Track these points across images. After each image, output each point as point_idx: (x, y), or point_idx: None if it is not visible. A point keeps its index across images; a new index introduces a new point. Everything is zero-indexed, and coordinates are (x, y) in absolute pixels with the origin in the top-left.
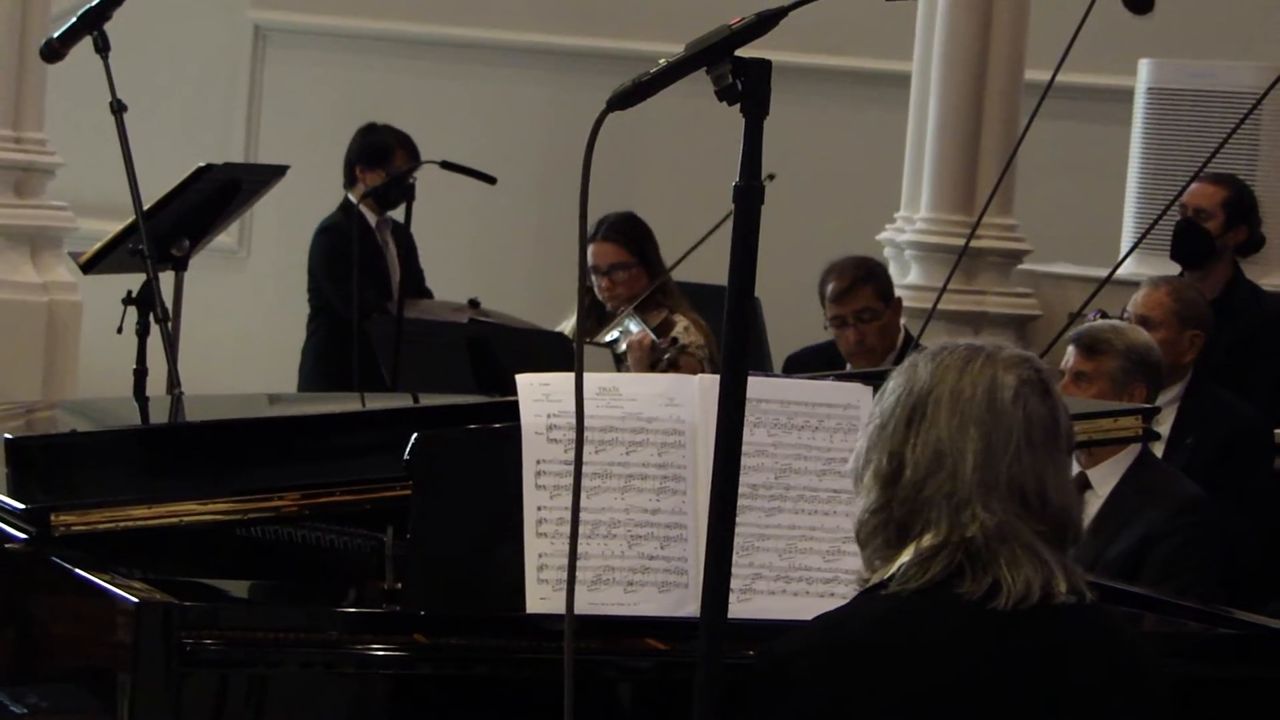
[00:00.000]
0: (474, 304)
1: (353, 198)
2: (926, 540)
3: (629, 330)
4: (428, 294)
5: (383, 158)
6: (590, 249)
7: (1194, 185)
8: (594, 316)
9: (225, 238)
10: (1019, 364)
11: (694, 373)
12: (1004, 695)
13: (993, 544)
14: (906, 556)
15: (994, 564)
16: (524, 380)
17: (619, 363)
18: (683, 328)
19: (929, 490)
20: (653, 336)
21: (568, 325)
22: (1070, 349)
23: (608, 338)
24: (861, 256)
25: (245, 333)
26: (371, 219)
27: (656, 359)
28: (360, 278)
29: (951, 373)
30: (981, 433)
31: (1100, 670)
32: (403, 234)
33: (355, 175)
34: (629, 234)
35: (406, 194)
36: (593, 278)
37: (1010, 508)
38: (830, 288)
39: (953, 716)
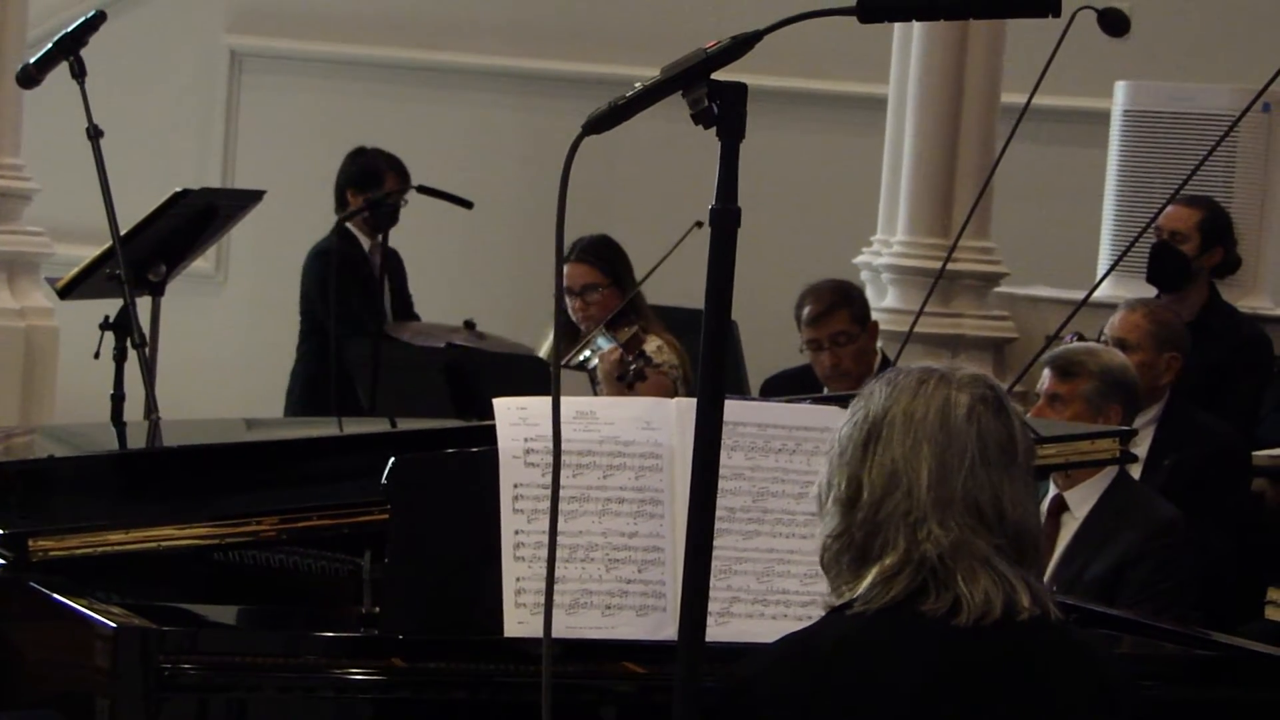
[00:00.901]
0: (469, 325)
1: (348, 223)
2: (888, 560)
3: (599, 347)
4: (416, 318)
5: (373, 181)
6: (564, 270)
7: (1169, 208)
8: (568, 337)
9: (202, 263)
10: (972, 383)
11: (663, 390)
12: (969, 712)
13: (949, 560)
14: (870, 577)
15: (952, 580)
16: (501, 404)
17: (594, 384)
18: (655, 347)
19: (886, 510)
20: (621, 350)
21: (546, 348)
22: (1045, 372)
23: (581, 357)
24: (837, 280)
25: (222, 357)
26: (364, 242)
27: (623, 371)
28: (355, 301)
29: (905, 395)
30: (935, 450)
31: (1066, 687)
32: (393, 258)
33: (346, 199)
34: (602, 255)
35: (391, 217)
36: (566, 298)
37: (966, 523)
38: (806, 311)
39: None
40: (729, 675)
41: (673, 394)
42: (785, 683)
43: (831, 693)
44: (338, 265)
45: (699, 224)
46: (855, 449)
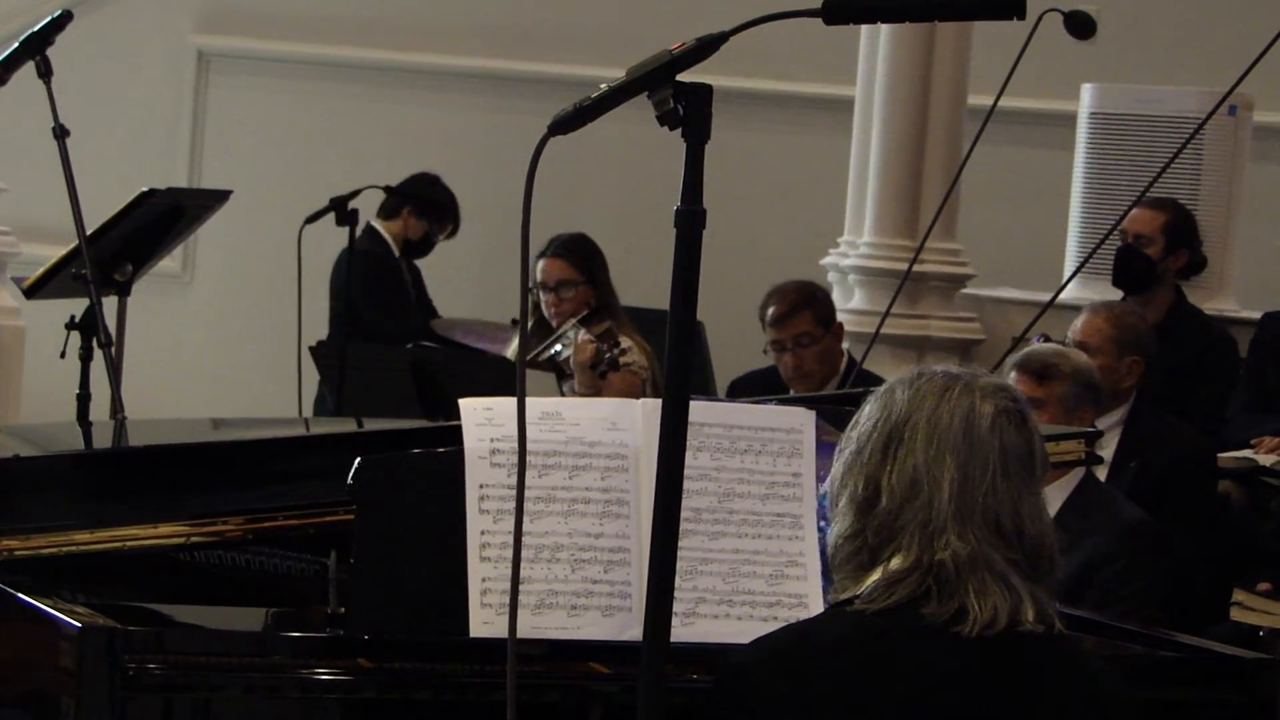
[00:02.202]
0: (516, 324)
1: (380, 228)
2: (895, 563)
3: (571, 340)
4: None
5: (437, 215)
6: (539, 265)
7: (1134, 211)
8: (540, 333)
9: (169, 262)
10: (996, 393)
11: (632, 391)
12: (962, 718)
13: (963, 571)
14: (875, 577)
15: (962, 590)
16: (467, 404)
17: (562, 381)
18: (626, 347)
19: (905, 518)
20: (595, 340)
21: (512, 349)
22: (1014, 375)
23: (552, 350)
24: (802, 281)
25: (189, 357)
26: (395, 251)
27: (598, 360)
28: (401, 303)
29: (929, 400)
30: (958, 462)
31: (1063, 701)
32: (413, 267)
33: (401, 214)
34: (578, 252)
35: (425, 250)
36: (540, 294)
37: (984, 536)
38: (770, 312)
39: None
40: (725, 662)
41: (641, 395)
42: (782, 673)
43: (827, 687)
44: (378, 266)
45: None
46: (875, 451)
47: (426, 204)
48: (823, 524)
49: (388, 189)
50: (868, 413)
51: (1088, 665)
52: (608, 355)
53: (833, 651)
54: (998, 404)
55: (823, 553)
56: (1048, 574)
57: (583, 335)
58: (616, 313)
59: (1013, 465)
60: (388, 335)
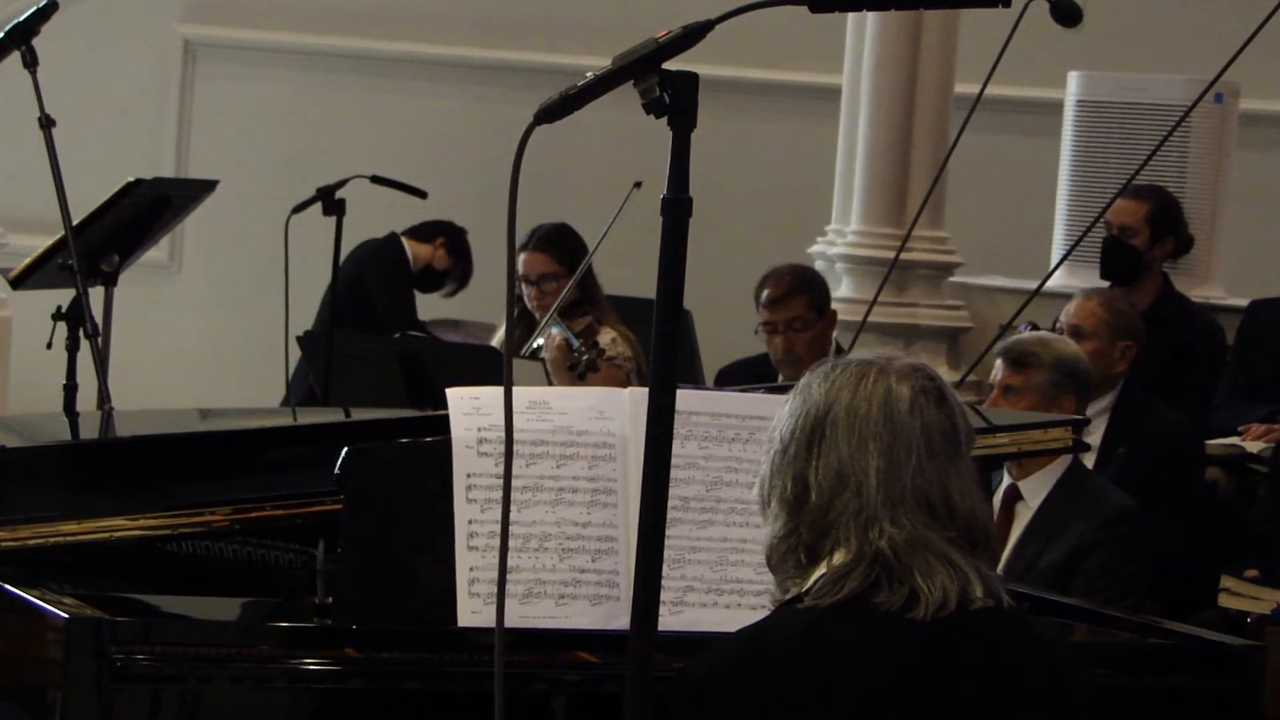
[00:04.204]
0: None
1: (406, 244)
2: (838, 558)
3: (550, 336)
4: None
5: (463, 262)
6: (521, 258)
7: (1118, 202)
8: (523, 325)
9: (156, 252)
10: (912, 374)
11: (616, 383)
12: (927, 704)
13: (904, 555)
14: (819, 572)
15: (908, 575)
16: (454, 394)
17: (549, 374)
18: (609, 339)
19: (835, 511)
20: (570, 338)
21: (499, 338)
22: (998, 362)
23: (536, 344)
24: (801, 266)
25: (176, 347)
26: (411, 268)
27: (574, 362)
28: (407, 299)
29: (846, 390)
30: (881, 448)
31: (1020, 674)
32: None
33: (435, 242)
34: (559, 244)
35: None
36: (522, 287)
37: (918, 518)
38: (765, 293)
39: None
40: (683, 670)
41: (626, 385)
42: (741, 679)
43: (789, 688)
44: (396, 260)
45: (638, 184)
46: (799, 448)
47: (458, 242)
48: None
49: (375, 178)
50: (788, 410)
51: (1041, 637)
52: (584, 358)
53: (789, 651)
54: (914, 384)
55: None
56: (985, 548)
57: (559, 337)
58: (599, 304)
59: (937, 443)
60: (385, 326)
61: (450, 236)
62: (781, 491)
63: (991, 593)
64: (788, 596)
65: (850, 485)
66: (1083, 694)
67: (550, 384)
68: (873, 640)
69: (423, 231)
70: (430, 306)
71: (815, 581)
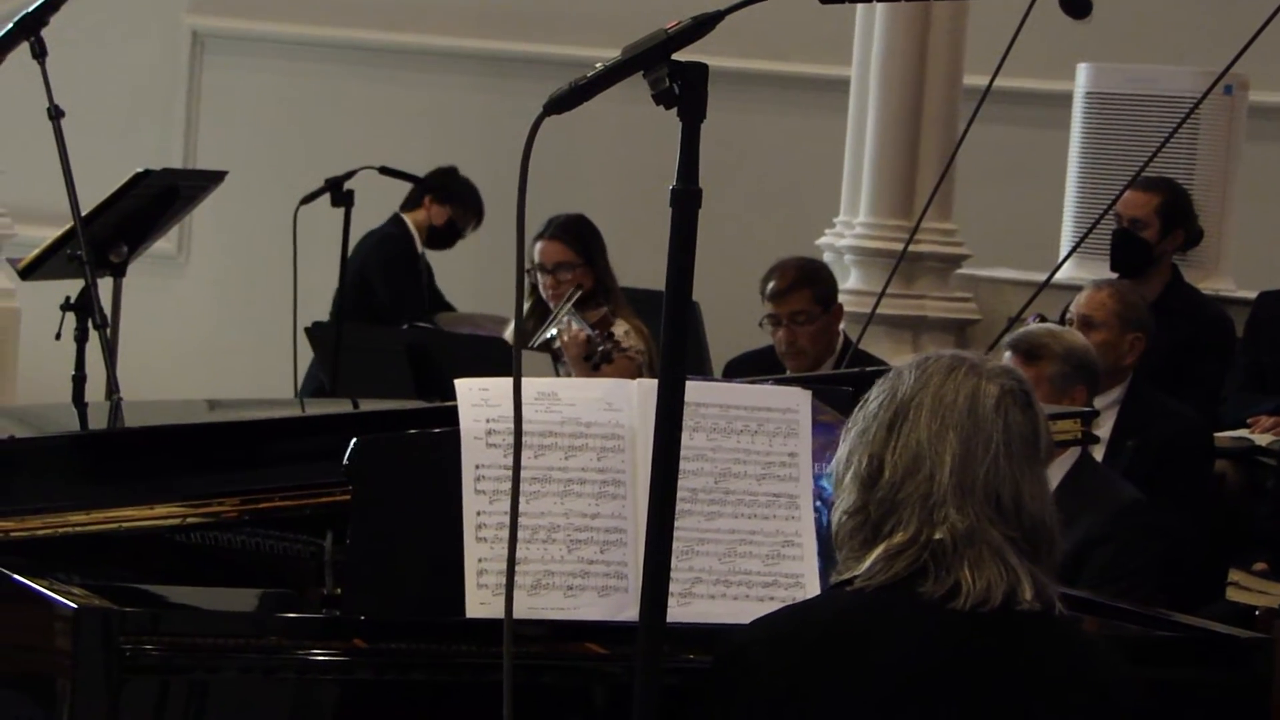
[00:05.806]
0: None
1: (406, 219)
2: (897, 538)
3: (566, 326)
4: (449, 308)
5: (460, 200)
6: (537, 246)
7: (1127, 194)
8: (537, 315)
9: (164, 243)
10: (1002, 375)
11: (629, 374)
12: (957, 696)
13: (960, 546)
14: (876, 552)
15: (957, 565)
16: (463, 385)
17: (559, 362)
18: (623, 331)
19: (906, 491)
20: (588, 331)
21: (509, 330)
22: (1007, 355)
23: (548, 334)
24: (808, 259)
25: (184, 338)
26: (419, 242)
27: (590, 353)
28: (411, 288)
29: (935, 379)
30: (960, 437)
31: (1061, 682)
32: (427, 266)
33: (423, 203)
34: (576, 234)
35: (450, 240)
36: (538, 275)
37: (983, 512)
38: (769, 286)
39: (904, 713)
40: (724, 640)
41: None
42: (778, 651)
43: (825, 665)
44: (399, 251)
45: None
46: (880, 429)
47: (444, 188)
48: (818, 504)
49: (383, 169)
50: (875, 393)
51: (1089, 648)
52: (600, 348)
53: (829, 630)
54: (1003, 385)
55: (820, 534)
56: (1047, 555)
57: (575, 327)
58: (614, 295)
59: (1016, 445)
60: (391, 318)
61: (433, 190)
62: (857, 469)
63: (1042, 598)
64: (841, 579)
65: (924, 469)
66: (1127, 708)
67: (559, 375)
68: (909, 626)
69: (411, 199)
70: (448, 290)
71: (869, 563)
